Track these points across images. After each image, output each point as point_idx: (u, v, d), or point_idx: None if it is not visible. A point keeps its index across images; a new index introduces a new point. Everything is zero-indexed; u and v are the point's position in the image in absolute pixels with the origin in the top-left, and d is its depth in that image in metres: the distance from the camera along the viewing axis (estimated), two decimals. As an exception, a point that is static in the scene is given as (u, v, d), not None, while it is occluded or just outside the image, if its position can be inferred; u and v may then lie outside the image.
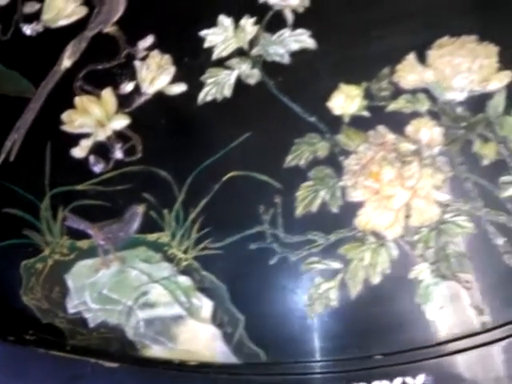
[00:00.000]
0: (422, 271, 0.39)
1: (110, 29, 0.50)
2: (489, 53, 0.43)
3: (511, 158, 0.41)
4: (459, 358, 0.39)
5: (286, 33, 0.47)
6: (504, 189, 0.40)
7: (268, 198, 0.43)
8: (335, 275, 0.41)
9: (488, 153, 0.41)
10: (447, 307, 0.38)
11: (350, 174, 0.43)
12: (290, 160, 0.44)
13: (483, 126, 0.42)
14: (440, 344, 0.38)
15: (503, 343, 0.37)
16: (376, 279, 0.40)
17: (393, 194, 0.41)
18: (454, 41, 0.44)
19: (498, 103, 0.42)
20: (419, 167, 0.41)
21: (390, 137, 0.43)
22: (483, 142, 0.42)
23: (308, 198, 0.43)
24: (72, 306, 0.44)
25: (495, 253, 0.39)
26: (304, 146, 0.44)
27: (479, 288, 0.39)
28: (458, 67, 0.43)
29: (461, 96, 0.43)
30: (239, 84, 0.47)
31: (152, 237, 0.44)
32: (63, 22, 0.51)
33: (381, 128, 0.43)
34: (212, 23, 0.49)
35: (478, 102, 0.43)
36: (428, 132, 0.42)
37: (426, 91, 0.44)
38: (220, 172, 0.45)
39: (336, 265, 0.41)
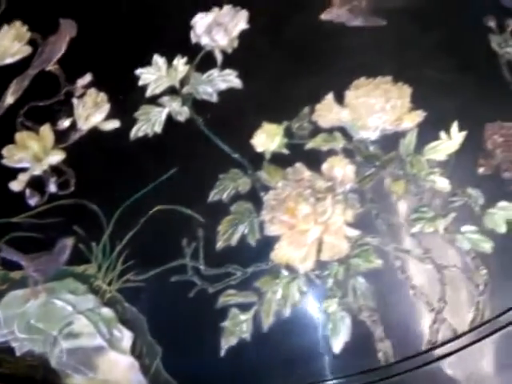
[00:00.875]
0: (330, 305, 0.40)
1: (51, 67, 0.51)
2: (402, 93, 0.45)
3: (421, 195, 0.41)
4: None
5: (215, 73, 0.48)
6: (412, 225, 0.41)
7: (191, 231, 0.44)
8: (250, 308, 0.41)
9: (398, 190, 0.42)
10: (353, 340, 0.38)
11: (268, 209, 0.43)
12: (214, 195, 0.44)
13: (395, 164, 0.43)
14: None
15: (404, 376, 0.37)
16: (287, 312, 0.40)
17: (306, 229, 0.42)
18: (370, 82, 0.45)
19: (409, 142, 0.43)
20: (332, 203, 0.42)
21: (307, 174, 0.43)
22: (394, 180, 0.42)
23: (228, 232, 0.43)
24: (1, 335, 0.44)
25: (401, 287, 0.40)
26: (227, 181, 0.45)
27: (384, 322, 0.39)
28: (373, 107, 0.44)
29: (374, 135, 0.44)
30: (170, 121, 0.48)
31: (79, 268, 0.45)
32: (9, 61, 0.53)
33: (299, 165, 0.44)
34: (147, 62, 0.50)
35: (390, 141, 0.44)
36: (341, 170, 0.43)
37: (342, 130, 0.45)
38: (147, 206, 0.45)
39: (251, 297, 0.41)
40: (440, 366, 0.38)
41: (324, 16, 0.48)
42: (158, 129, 0.47)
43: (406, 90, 0.45)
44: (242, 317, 0.41)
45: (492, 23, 0.46)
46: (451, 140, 0.42)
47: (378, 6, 0.48)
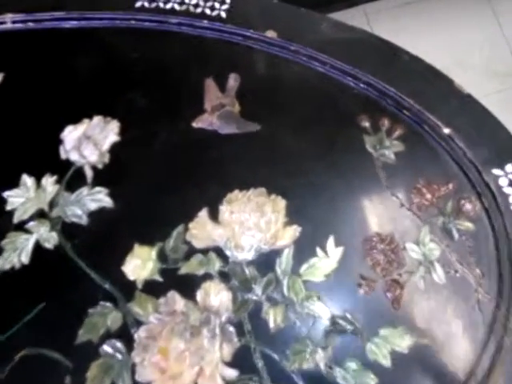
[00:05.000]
0: None
1: None
2: (276, 206, 0.37)
3: (300, 323, 0.34)
4: None
5: (84, 191, 0.40)
6: (291, 361, 0.33)
7: (59, 378, 0.35)
8: None
9: (276, 318, 0.34)
10: None
11: (139, 349, 0.35)
12: (82, 334, 0.35)
13: (272, 287, 0.35)
14: None
15: None
16: None
17: (179, 371, 0.33)
18: (244, 195, 0.37)
19: (286, 261, 0.36)
20: (208, 338, 0.34)
21: (181, 304, 0.35)
22: (272, 306, 0.34)
23: (98, 378, 0.34)
24: None
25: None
26: (97, 317, 0.36)
27: None
28: (247, 224, 0.37)
29: (250, 255, 0.36)
30: (37, 249, 0.39)
31: None
32: None
33: (172, 294, 0.36)
34: (15, 183, 0.41)
35: (266, 261, 0.36)
36: (217, 298, 0.35)
37: (217, 250, 0.37)
38: (12, 350, 0.36)
39: None
40: None
41: (196, 124, 0.41)
42: (25, 259, 0.38)
43: (280, 203, 0.37)
44: None
45: (366, 123, 0.39)
46: (328, 258, 0.35)
47: (252, 109, 0.40)
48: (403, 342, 0.33)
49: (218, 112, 0.41)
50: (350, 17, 1.14)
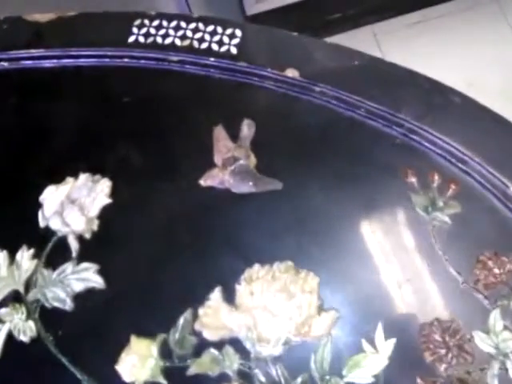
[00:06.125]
0: None
1: None
2: (308, 286, 0.33)
3: None
4: None
5: (68, 268, 0.36)
6: None
7: None
8: None
9: (314, 433, 0.30)
10: None
11: None
12: None
13: (306, 391, 0.31)
14: None
15: None
16: None
17: None
18: (267, 271, 0.34)
19: (322, 357, 0.31)
20: None
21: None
22: (307, 418, 0.30)
23: None
24: None
25: None
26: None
27: None
28: (271, 308, 0.33)
29: (276, 349, 0.32)
30: (10, 342, 0.35)
31: None
32: None
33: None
34: (-17, 258, 0.37)
35: (298, 357, 0.32)
36: (237, 410, 0.31)
37: (235, 343, 0.33)
38: None
39: None
40: None
41: (204, 182, 0.37)
42: (-5, 355, 0.34)
43: (313, 281, 0.34)
44: None
45: (413, 179, 0.36)
46: (377, 352, 0.31)
47: (271, 163, 0.37)
48: None
49: (230, 167, 0.38)
50: (358, 38, 1.15)
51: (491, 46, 1.06)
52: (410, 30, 1.12)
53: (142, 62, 0.45)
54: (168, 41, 0.45)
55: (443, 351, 0.31)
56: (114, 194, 0.39)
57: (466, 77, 0.97)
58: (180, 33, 0.46)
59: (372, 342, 0.32)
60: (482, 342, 0.32)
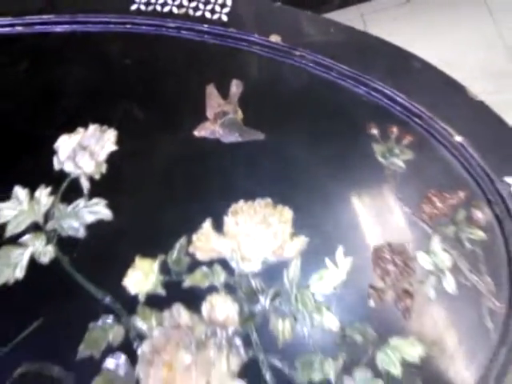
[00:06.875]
0: None
1: None
2: (283, 218, 0.43)
3: (308, 335, 0.39)
4: None
5: (81, 203, 0.46)
6: (301, 372, 0.39)
7: (59, 397, 0.40)
8: None
9: (284, 330, 0.40)
10: None
11: (144, 364, 0.40)
12: (83, 350, 0.41)
13: (279, 299, 0.41)
14: None
15: None
16: None
17: (185, 386, 0.39)
18: (249, 205, 0.44)
19: (294, 273, 0.41)
20: (214, 352, 0.39)
21: (186, 318, 0.41)
22: (279, 318, 0.40)
23: (99, 397, 0.40)
24: None
25: None
26: (98, 332, 0.42)
27: None
28: (252, 235, 0.43)
29: (256, 267, 0.42)
30: (32, 263, 0.44)
31: None
32: None
33: (176, 307, 0.41)
34: (7, 196, 0.47)
35: (274, 273, 0.42)
36: (223, 311, 0.41)
37: (222, 262, 0.43)
38: (9, 367, 0.41)
39: None
40: None
41: (197, 132, 0.47)
42: (20, 274, 0.44)
43: (287, 214, 0.43)
44: None
45: (375, 130, 0.45)
46: (337, 269, 0.41)
47: (256, 117, 0.47)
48: (414, 352, 0.39)
49: (220, 120, 0.47)
50: (345, 17, 1.25)
51: (472, 29, 1.16)
52: (396, 12, 1.21)
53: (143, 28, 0.54)
54: (166, 9, 0.54)
55: (391, 267, 0.41)
56: (119, 142, 0.48)
57: (446, 57, 1.07)
58: (177, 2, 0.55)
59: (334, 261, 0.42)
60: (424, 261, 0.42)
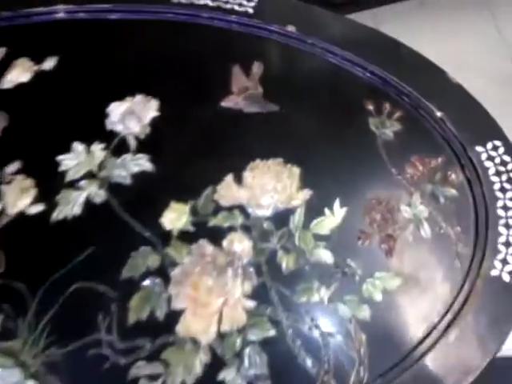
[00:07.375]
0: (228, 373, 0.46)
1: (-20, 156, 0.58)
2: (291, 174, 0.52)
3: (308, 267, 0.48)
4: None
5: (128, 157, 0.55)
6: (300, 295, 0.48)
7: (106, 307, 0.50)
8: (157, 379, 0.47)
9: (288, 262, 0.49)
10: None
11: (175, 284, 0.50)
12: (126, 272, 0.51)
13: (286, 238, 0.50)
14: None
15: None
16: (190, 382, 0.46)
17: (208, 302, 0.48)
18: (264, 164, 0.53)
19: (298, 218, 0.50)
20: (231, 276, 0.49)
21: (210, 249, 0.50)
22: (285, 253, 0.49)
23: (139, 307, 0.49)
24: None
25: (293, 356, 0.46)
26: (138, 259, 0.51)
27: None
28: (266, 187, 0.52)
29: (268, 212, 0.51)
30: (87, 204, 0.54)
31: (6, 344, 0.50)
32: None
33: (202, 242, 0.51)
34: (67, 149, 0.57)
35: (282, 218, 0.51)
36: (240, 245, 0.50)
37: (240, 208, 0.52)
38: (66, 284, 0.51)
39: (158, 369, 0.47)
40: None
41: (224, 104, 0.56)
42: (77, 211, 0.54)
43: (295, 171, 0.52)
44: (150, 387, 0.47)
45: (371, 106, 0.54)
46: (334, 216, 0.50)
47: (273, 93, 0.56)
48: (393, 283, 0.48)
49: (243, 94, 0.57)
50: (359, 20, 1.32)
51: (474, 33, 1.22)
52: (408, 16, 1.28)
53: (181, 17, 0.64)
54: (202, 2, 0.64)
55: (378, 216, 0.50)
56: (160, 109, 0.58)
57: (453, 60, 1.14)
58: (211, -4, 0.64)
59: (331, 210, 0.51)
60: (405, 212, 0.51)
